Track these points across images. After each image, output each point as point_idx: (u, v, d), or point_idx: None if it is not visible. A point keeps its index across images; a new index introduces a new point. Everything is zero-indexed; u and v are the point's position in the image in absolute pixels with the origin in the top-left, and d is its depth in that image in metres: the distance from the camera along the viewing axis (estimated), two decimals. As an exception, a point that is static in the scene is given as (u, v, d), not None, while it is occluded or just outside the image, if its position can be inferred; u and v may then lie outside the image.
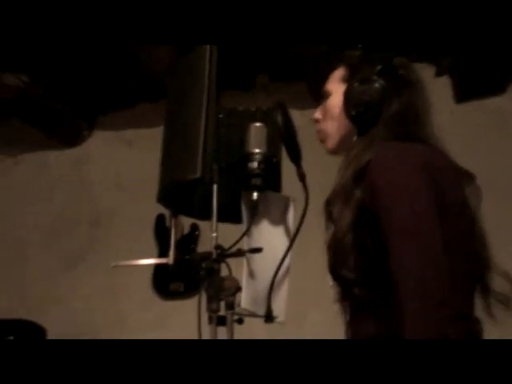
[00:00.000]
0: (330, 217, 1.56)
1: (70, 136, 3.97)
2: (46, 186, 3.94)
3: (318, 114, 1.70)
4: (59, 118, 3.84)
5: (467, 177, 1.58)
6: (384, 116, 1.56)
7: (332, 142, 1.66)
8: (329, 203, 1.57)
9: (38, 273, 3.79)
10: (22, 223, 3.89)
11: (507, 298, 1.51)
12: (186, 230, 2.22)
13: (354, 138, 1.61)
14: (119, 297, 3.66)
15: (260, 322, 1.67)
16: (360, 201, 1.47)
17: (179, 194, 1.80)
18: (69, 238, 3.83)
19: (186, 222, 1.99)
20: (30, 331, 3.17)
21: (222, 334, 1.61)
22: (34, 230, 3.87)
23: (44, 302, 3.62)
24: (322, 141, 1.69)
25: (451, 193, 1.49)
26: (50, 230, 3.86)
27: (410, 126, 1.57)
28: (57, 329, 3.30)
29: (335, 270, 1.51)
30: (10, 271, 3.81)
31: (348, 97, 1.60)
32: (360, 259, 1.47)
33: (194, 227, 2.43)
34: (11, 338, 3.07)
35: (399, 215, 1.41)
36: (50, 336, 3.20)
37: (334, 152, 1.67)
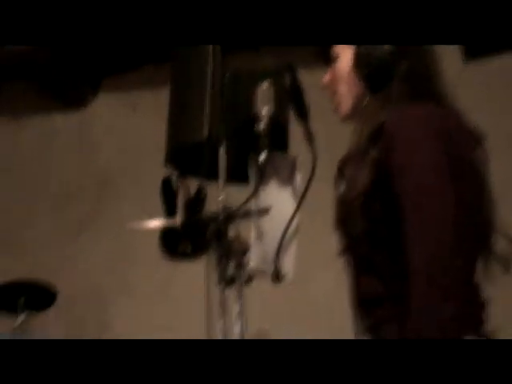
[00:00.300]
0: (341, 176, 1.56)
1: (74, 99, 3.95)
2: (51, 150, 3.94)
3: (327, 79, 1.68)
4: (64, 82, 3.82)
5: (478, 137, 1.57)
6: (396, 74, 1.55)
7: (346, 107, 1.63)
8: (343, 163, 1.57)
9: (47, 238, 3.81)
10: (29, 187, 3.90)
11: (508, 261, 1.52)
12: (193, 191, 2.22)
13: (367, 100, 1.60)
14: (127, 259, 3.69)
15: (268, 282, 1.68)
16: (375, 161, 1.48)
17: (186, 155, 1.80)
18: (75, 202, 3.85)
19: (193, 184, 1.99)
20: (42, 293, 3.20)
21: (231, 294, 1.62)
22: (41, 194, 3.88)
23: (53, 266, 3.65)
24: (336, 108, 1.66)
25: (463, 154, 1.50)
26: (57, 194, 3.87)
27: (423, 82, 1.57)
28: (66, 292, 3.34)
29: (341, 225, 1.52)
30: (19, 237, 3.83)
31: (359, 55, 1.58)
32: (367, 218, 1.48)
33: (201, 189, 2.43)
34: (23, 298, 3.10)
35: (413, 181, 1.43)
36: (61, 299, 3.23)
37: (348, 117, 1.64)
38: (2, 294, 3.16)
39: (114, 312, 3.66)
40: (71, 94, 3.93)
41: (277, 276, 1.65)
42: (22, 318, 3.14)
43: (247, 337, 1.60)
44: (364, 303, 1.52)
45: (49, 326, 3.35)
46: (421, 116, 1.49)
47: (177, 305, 3.47)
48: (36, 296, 3.17)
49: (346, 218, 1.51)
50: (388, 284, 1.47)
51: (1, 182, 3.95)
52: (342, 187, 1.56)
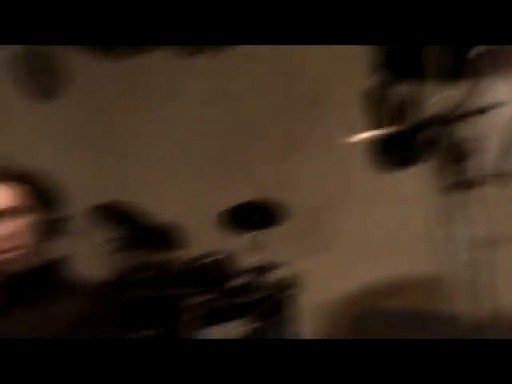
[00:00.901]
0: None
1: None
2: (260, 72, 4.03)
3: None
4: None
5: None
6: None
7: None
8: None
9: (264, 159, 3.96)
10: (244, 112, 4.04)
11: None
12: (403, 97, 2.14)
13: None
14: (340, 174, 3.71)
15: (493, 186, 1.59)
16: None
17: (397, 59, 1.73)
18: (287, 123, 3.92)
19: (402, 89, 1.92)
20: (269, 211, 3.42)
21: (454, 201, 1.56)
22: (253, 119, 4.00)
23: (271, 185, 3.78)
24: None
25: None
26: (267, 117, 3.97)
27: None
28: (287, 209, 3.45)
29: None
30: (239, 160, 4.02)
31: None
32: None
33: (411, 95, 2.34)
34: (255, 216, 3.36)
35: None
36: (282, 216, 3.35)
37: None
38: (236, 215, 3.45)
39: (335, 225, 3.73)
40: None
41: (502, 179, 1.55)
42: (255, 235, 3.42)
43: (474, 242, 1.54)
44: None
45: (277, 241, 3.51)
46: None
47: (397, 213, 3.45)
48: (265, 214, 3.43)
49: None
50: None
51: (214, 112, 4.12)
52: None
